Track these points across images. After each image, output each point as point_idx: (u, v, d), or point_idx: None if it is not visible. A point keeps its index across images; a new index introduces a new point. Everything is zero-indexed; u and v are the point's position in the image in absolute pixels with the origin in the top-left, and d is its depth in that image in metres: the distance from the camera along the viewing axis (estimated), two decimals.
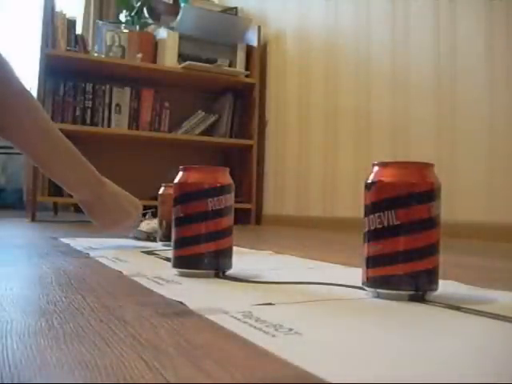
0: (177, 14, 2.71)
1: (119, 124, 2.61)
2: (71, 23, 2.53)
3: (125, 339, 0.35)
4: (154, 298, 0.51)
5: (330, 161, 2.33)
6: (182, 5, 2.76)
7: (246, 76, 2.76)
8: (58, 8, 2.50)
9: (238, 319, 0.41)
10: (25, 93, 0.89)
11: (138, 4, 2.85)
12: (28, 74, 2.78)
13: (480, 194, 1.66)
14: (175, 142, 2.74)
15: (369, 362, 0.32)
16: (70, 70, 2.52)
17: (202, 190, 0.63)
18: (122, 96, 2.63)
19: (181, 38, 2.65)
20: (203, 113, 2.79)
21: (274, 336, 0.36)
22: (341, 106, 2.29)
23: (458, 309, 0.47)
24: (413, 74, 1.92)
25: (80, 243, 1.05)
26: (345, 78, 2.27)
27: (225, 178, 0.65)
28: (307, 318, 0.44)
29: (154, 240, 1.13)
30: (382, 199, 0.51)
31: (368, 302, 0.51)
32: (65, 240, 1.15)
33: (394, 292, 0.51)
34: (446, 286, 0.55)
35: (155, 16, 2.85)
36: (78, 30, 2.87)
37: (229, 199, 0.64)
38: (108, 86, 2.60)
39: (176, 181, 0.65)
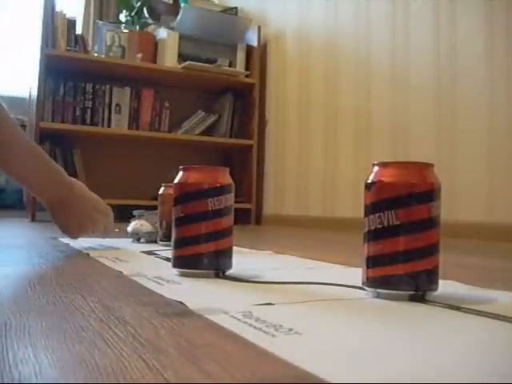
0: (177, 13, 2.71)
1: (119, 124, 2.61)
2: (71, 23, 2.54)
3: (125, 339, 0.35)
4: (154, 297, 0.51)
5: (330, 161, 2.33)
6: (182, 5, 2.76)
7: (246, 76, 2.76)
8: (58, 8, 2.50)
9: (238, 319, 0.41)
10: None
11: (138, 4, 2.84)
12: (28, 74, 2.78)
13: (480, 194, 1.66)
14: (175, 141, 2.74)
15: (369, 362, 0.32)
16: (70, 69, 2.52)
17: (201, 190, 0.63)
18: (122, 96, 2.63)
19: (181, 38, 2.65)
20: (203, 113, 2.80)
21: (274, 336, 0.36)
22: (341, 106, 2.29)
23: (457, 309, 0.47)
24: (413, 74, 1.92)
25: (80, 243, 1.05)
26: (345, 78, 2.27)
27: (225, 178, 0.65)
28: (307, 318, 0.44)
29: (137, 241, 1.13)
30: (382, 199, 0.51)
31: (368, 302, 0.51)
32: (65, 240, 1.15)
33: (394, 292, 0.51)
34: (445, 286, 0.55)
35: (155, 16, 2.85)
36: (78, 30, 2.87)
37: (229, 199, 0.64)
38: (108, 86, 2.60)
39: (176, 181, 0.65)
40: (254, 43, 2.78)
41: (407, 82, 1.94)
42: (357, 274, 0.55)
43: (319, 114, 2.42)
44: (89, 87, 2.56)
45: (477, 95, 1.68)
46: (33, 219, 2.30)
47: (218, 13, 2.84)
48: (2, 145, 0.85)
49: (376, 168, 0.53)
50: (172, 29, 2.67)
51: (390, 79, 2.02)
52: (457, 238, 1.52)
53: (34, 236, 1.51)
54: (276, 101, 2.76)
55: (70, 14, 2.56)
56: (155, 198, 1.13)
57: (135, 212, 1.20)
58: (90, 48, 2.69)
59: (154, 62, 2.68)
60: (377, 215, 0.51)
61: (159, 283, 0.58)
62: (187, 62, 2.57)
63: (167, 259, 0.80)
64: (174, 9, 2.80)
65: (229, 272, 0.65)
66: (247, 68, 2.80)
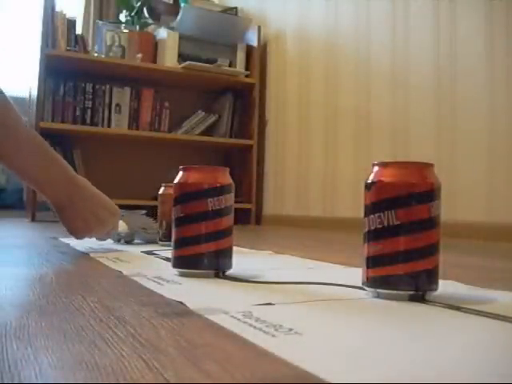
0: (177, 13, 2.71)
1: (119, 124, 2.61)
2: (71, 23, 2.54)
3: (125, 339, 0.35)
4: (154, 297, 0.51)
5: (330, 161, 2.33)
6: (182, 5, 2.76)
7: (246, 76, 2.76)
8: (58, 8, 2.50)
9: (238, 319, 0.41)
10: None
11: (138, 4, 2.85)
12: (28, 74, 2.78)
13: (480, 194, 1.66)
14: (175, 141, 2.74)
15: (369, 362, 0.32)
16: (70, 69, 2.52)
17: (201, 190, 0.63)
18: (122, 96, 2.63)
19: (181, 38, 2.65)
20: (203, 113, 2.80)
21: (274, 336, 0.36)
22: (341, 106, 2.29)
23: (457, 309, 0.47)
24: (413, 74, 1.92)
25: (80, 243, 1.05)
26: (345, 78, 2.27)
27: (225, 178, 0.65)
28: (307, 318, 0.44)
29: (118, 241, 1.10)
30: (382, 199, 0.51)
31: (368, 302, 0.51)
32: (65, 240, 1.15)
33: (394, 292, 0.51)
34: (445, 286, 0.55)
35: (155, 16, 2.85)
36: (78, 30, 2.87)
37: (229, 199, 0.64)
38: (108, 86, 2.60)
39: (176, 181, 0.65)
40: (254, 43, 2.78)
41: (407, 82, 1.94)
42: (357, 274, 0.55)
43: (319, 114, 2.42)
44: (89, 87, 2.56)
45: (477, 95, 1.68)
46: (33, 219, 2.30)
47: (218, 13, 2.84)
48: (6, 138, 0.82)
49: (376, 168, 0.53)
50: (172, 29, 2.67)
51: (390, 79, 2.02)
52: (457, 238, 1.52)
53: (34, 236, 1.51)
54: (276, 101, 2.76)
55: (70, 14, 2.56)
56: (155, 198, 1.13)
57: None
58: (90, 48, 2.69)
59: (154, 62, 2.68)
60: (377, 215, 0.51)
61: (159, 283, 0.58)
62: (187, 62, 2.57)
63: (167, 259, 0.80)
64: (174, 9, 2.80)
65: (229, 272, 0.65)
66: (247, 68, 2.80)
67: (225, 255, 0.64)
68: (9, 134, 0.83)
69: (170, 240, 0.68)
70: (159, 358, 0.31)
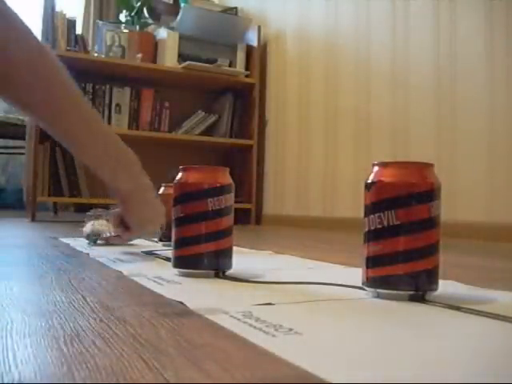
0: (177, 13, 2.71)
1: (119, 124, 2.61)
2: (71, 23, 2.53)
3: (125, 339, 0.35)
4: (154, 297, 0.51)
5: (330, 161, 2.33)
6: (182, 5, 2.76)
7: (246, 76, 2.76)
8: (58, 8, 2.50)
9: (238, 319, 0.41)
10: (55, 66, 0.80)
11: (138, 4, 2.84)
12: None
13: (480, 194, 1.66)
14: (175, 141, 2.74)
15: (369, 362, 0.32)
16: (70, 69, 2.51)
17: (201, 189, 0.63)
18: (122, 96, 2.63)
19: (181, 38, 2.65)
20: (203, 113, 2.79)
21: (274, 336, 0.36)
22: (341, 106, 2.29)
23: (457, 309, 0.47)
24: (413, 74, 1.92)
25: (80, 243, 1.05)
26: (345, 78, 2.27)
27: (225, 178, 0.65)
28: (307, 318, 0.44)
29: (94, 242, 1.04)
30: (382, 199, 0.51)
31: (368, 302, 0.51)
32: (65, 240, 1.15)
33: (394, 292, 0.51)
34: (445, 286, 0.55)
35: (155, 16, 2.85)
36: (78, 30, 2.87)
37: (229, 199, 0.64)
38: (108, 86, 2.60)
39: (176, 181, 0.65)
40: (254, 43, 2.78)
41: (407, 82, 1.94)
42: (357, 274, 0.55)
43: (319, 114, 2.42)
44: (89, 87, 2.56)
45: (477, 95, 1.68)
46: (33, 219, 2.30)
47: (218, 13, 2.84)
48: (84, 133, 0.79)
49: (376, 168, 0.53)
50: (172, 29, 2.67)
51: (390, 79, 2.02)
52: (457, 238, 1.52)
53: (34, 236, 1.51)
54: (276, 101, 2.76)
55: (70, 14, 2.56)
56: None
57: (91, 211, 1.11)
58: (90, 48, 2.69)
59: (154, 62, 2.68)
60: (377, 215, 0.51)
61: (159, 283, 0.58)
62: (187, 62, 2.57)
63: (167, 259, 0.80)
64: (174, 9, 2.80)
65: (229, 272, 0.65)
66: (247, 68, 2.79)
67: (225, 255, 0.64)
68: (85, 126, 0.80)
69: (169, 240, 0.68)
70: (159, 357, 0.31)
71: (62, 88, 0.81)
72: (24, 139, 2.89)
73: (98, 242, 1.04)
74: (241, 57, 2.78)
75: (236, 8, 2.98)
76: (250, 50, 2.81)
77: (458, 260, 0.99)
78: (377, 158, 0.65)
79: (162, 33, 2.68)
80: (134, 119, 2.65)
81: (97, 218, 1.07)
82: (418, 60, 1.90)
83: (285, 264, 0.85)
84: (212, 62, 2.66)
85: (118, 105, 2.62)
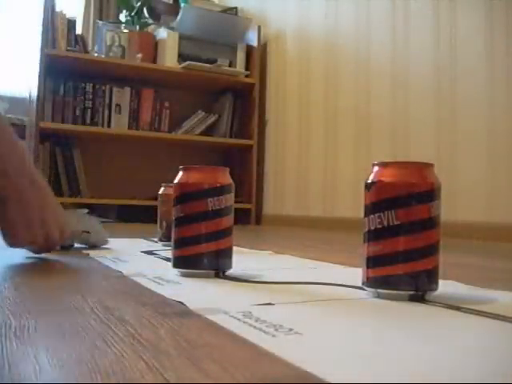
0: (177, 13, 2.71)
1: (119, 124, 2.61)
2: (71, 23, 2.54)
3: (125, 339, 0.35)
4: (154, 297, 0.51)
5: (329, 161, 2.33)
6: (182, 5, 2.76)
7: (246, 76, 2.76)
8: (58, 8, 2.50)
9: (238, 319, 0.41)
10: None
11: (138, 4, 2.85)
12: (28, 74, 2.78)
13: (480, 194, 1.66)
14: (175, 141, 2.74)
15: (369, 362, 0.31)
16: (70, 70, 2.52)
17: (201, 190, 0.63)
18: (122, 96, 2.63)
19: (181, 38, 2.65)
20: (203, 113, 2.80)
21: (274, 336, 0.36)
22: (341, 106, 2.29)
23: (458, 309, 0.47)
24: (413, 74, 1.92)
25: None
26: (345, 78, 2.27)
27: (225, 178, 0.65)
28: (307, 318, 0.44)
29: (67, 248, 0.93)
30: (382, 199, 0.51)
31: (368, 302, 0.51)
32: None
33: (394, 292, 0.51)
34: (445, 286, 0.55)
35: (155, 16, 2.85)
36: (78, 30, 2.87)
37: (229, 199, 0.64)
38: (108, 86, 2.60)
39: (176, 181, 0.65)
40: (254, 43, 2.78)
41: (407, 82, 1.94)
42: (357, 274, 0.55)
43: (319, 114, 2.42)
44: (89, 87, 2.56)
45: (477, 95, 1.68)
46: None
47: (218, 13, 2.84)
48: None
49: (376, 168, 0.53)
50: (172, 29, 2.67)
51: (390, 79, 2.02)
52: (457, 238, 1.52)
53: None
54: (276, 101, 2.76)
55: (70, 14, 2.56)
56: (155, 198, 1.13)
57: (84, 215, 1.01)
58: (90, 48, 2.69)
59: (154, 62, 2.68)
60: (377, 215, 0.51)
61: (159, 283, 0.58)
62: (187, 62, 2.57)
63: (167, 259, 0.80)
64: (174, 9, 2.80)
65: (229, 272, 0.65)
66: (247, 68, 2.79)
67: (225, 255, 0.64)
68: None
69: (169, 240, 0.68)
70: (159, 358, 0.31)
71: None
72: (24, 139, 2.88)
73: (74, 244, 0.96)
74: (241, 57, 2.78)
75: (236, 8, 2.98)
76: (250, 49, 2.81)
77: (458, 260, 0.99)
78: (377, 158, 0.65)
79: (162, 33, 2.68)
80: (134, 119, 2.65)
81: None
82: (418, 60, 1.90)
83: (285, 264, 0.85)
84: (212, 62, 2.66)
85: (118, 105, 2.62)
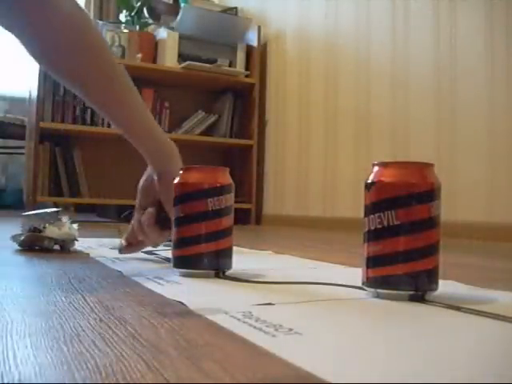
0: (177, 13, 2.71)
1: None
2: None
3: (125, 339, 0.35)
4: (154, 297, 0.51)
5: (329, 161, 2.33)
6: (182, 5, 2.76)
7: (246, 76, 2.76)
8: None
9: (238, 319, 0.41)
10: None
11: (138, 4, 2.84)
12: (28, 74, 2.78)
13: (480, 194, 1.66)
14: (175, 141, 2.73)
15: (369, 362, 0.31)
16: None
17: (201, 190, 0.63)
18: None
19: (181, 37, 2.65)
20: (203, 113, 2.79)
21: (274, 336, 0.36)
22: (341, 106, 2.29)
23: (458, 309, 0.47)
24: (413, 74, 1.92)
25: (80, 243, 1.05)
26: (345, 78, 2.27)
27: (225, 178, 0.65)
28: (307, 318, 0.44)
29: (67, 249, 0.93)
30: (381, 199, 0.51)
31: (368, 302, 0.51)
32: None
33: (394, 292, 0.51)
34: (445, 286, 0.55)
35: (155, 16, 2.85)
36: None
37: (229, 199, 0.64)
38: None
39: (176, 181, 0.65)
40: (254, 43, 2.78)
41: (407, 82, 1.94)
42: (357, 274, 0.55)
43: (319, 114, 2.42)
44: None
45: (477, 95, 1.68)
46: None
47: (218, 13, 2.84)
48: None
49: (376, 168, 0.53)
50: (172, 29, 2.67)
51: (390, 79, 2.02)
52: (457, 238, 1.52)
53: None
54: (276, 101, 2.76)
55: None
56: None
57: (51, 214, 0.96)
58: None
59: (154, 62, 2.68)
60: (377, 215, 0.51)
61: (159, 283, 0.58)
62: (187, 62, 2.57)
63: (167, 259, 0.80)
64: (174, 9, 2.80)
65: (229, 272, 0.65)
66: (247, 68, 2.79)
67: (225, 255, 0.64)
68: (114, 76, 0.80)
69: (169, 240, 0.68)
70: (159, 358, 0.31)
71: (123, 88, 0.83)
72: (24, 139, 2.89)
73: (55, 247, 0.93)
74: (241, 57, 2.78)
75: (236, 8, 2.98)
76: (250, 49, 2.81)
77: (458, 260, 0.99)
78: (377, 158, 0.65)
79: (162, 33, 2.68)
80: None
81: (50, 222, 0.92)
82: (418, 60, 1.90)
83: (285, 264, 0.85)
84: (212, 62, 2.66)
85: None
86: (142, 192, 0.84)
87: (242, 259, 0.81)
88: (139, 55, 2.58)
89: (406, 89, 1.95)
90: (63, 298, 0.50)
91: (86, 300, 0.49)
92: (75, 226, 0.95)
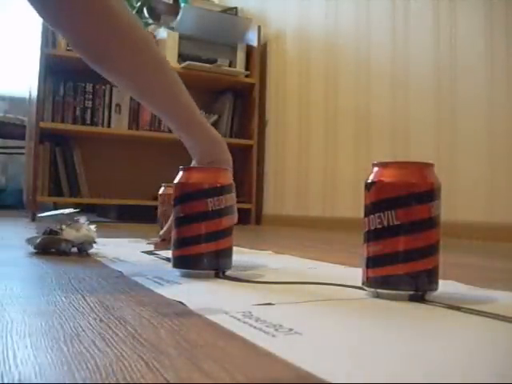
0: (177, 13, 2.71)
1: (119, 124, 2.61)
2: None
3: (125, 339, 0.35)
4: (154, 297, 0.51)
5: (329, 161, 2.33)
6: (182, 5, 2.76)
7: (246, 76, 2.76)
8: None
9: (238, 319, 0.41)
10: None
11: (138, 4, 2.84)
12: (28, 74, 2.78)
13: (480, 194, 1.66)
14: (175, 141, 2.73)
15: (369, 362, 0.31)
16: (70, 70, 2.51)
17: (202, 190, 0.63)
18: (122, 96, 2.63)
19: (181, 38, 2.65)
20: (203, 113, 2.79)
21: (274, 336, 0.36)
22: (341, 106, 2.29)
23: (458, 309, 0.47)
24: (413, 74, 1.92)
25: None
26: (345, 78, 2.27)
27: (225, 178, 0.65)
28: (307, 318, 0.44)
29: (84, 251, 0.89)
30: (381, 199, 0.51)
31: (368, 302, 0.51)
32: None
33: (394, 292, 0.51)
34: (445, 286, 0.55)
35: (155, 16, 2.85)
36: None
37: (229, 199, 0.64)
38: (108, 86, 2.60)
39: (176, 181, 0.65)
40: (254, 43, 2.78)
41: (407, 82, 1.94)
42: (357, 274, 0.55)
43: (319, 114, 2.42)
44: (89, 87, 2.56)
45: (477, 95, 1.68)
46: (33, 219, 2.30)
47: (218, 13, 2.84)
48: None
49: (376, 168, 0.53)
50: (172, 29, 2.67)
51: (390, 79, 2.02)
52: (457, 238, 1.52)
53: None
54: (276, 101, 2.76)
55: None
56: (155, 198, 1.13)
57: (58, 215, 0.94)
58: None
59: None
60: (377, 215, 0.51)
61: (159, 283, 0.58)
62: (187, 62, 2.57)
63: (167, 259, 0.80)
64: (174, 9, 2.80)
65: (229, 272, 0.65)
66: (247, 68, 2.79)
67: (225, 255, 0.64)
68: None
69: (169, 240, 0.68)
70: (159, 358, 0.31)
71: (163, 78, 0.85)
72: (24, 139, 2.89)
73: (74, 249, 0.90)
74: (241, 57, 2.78)
75: (236, 8, 2.98)
76: (250, 49, 2.80)
77: (458, 260, 0.99)
78: (377, 158, 0.65)
79: (162, 33, 2.68)
80: (134, 119, 2.65)
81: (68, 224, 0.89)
82: (418, 60, 1.90)
83: (285, 264, 0.85)
84: (212, 62, 2.66)
85: (117, 105, 2.62)
86: None
87: (242, 259, 0.81)
88: None
89: (405, 89, 1.95)
90: (63, 298, 0.50)
91: (85, 300, 0.49)
92: (93, 227, 0.91)
